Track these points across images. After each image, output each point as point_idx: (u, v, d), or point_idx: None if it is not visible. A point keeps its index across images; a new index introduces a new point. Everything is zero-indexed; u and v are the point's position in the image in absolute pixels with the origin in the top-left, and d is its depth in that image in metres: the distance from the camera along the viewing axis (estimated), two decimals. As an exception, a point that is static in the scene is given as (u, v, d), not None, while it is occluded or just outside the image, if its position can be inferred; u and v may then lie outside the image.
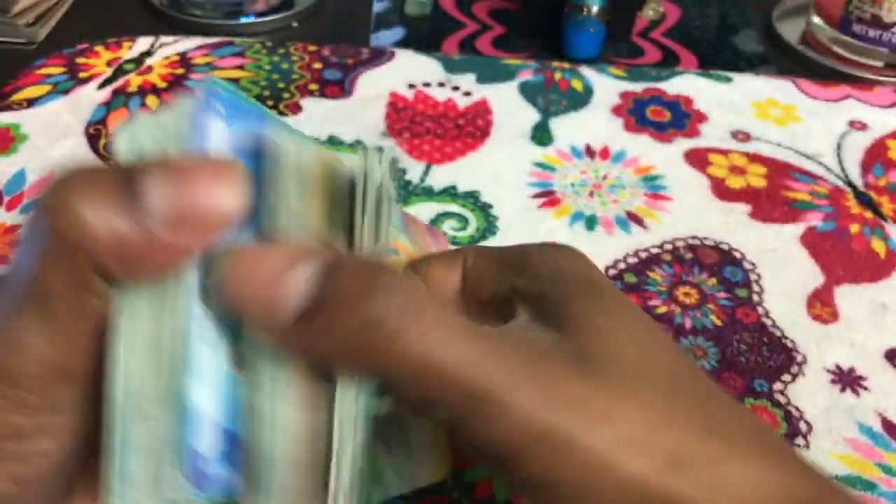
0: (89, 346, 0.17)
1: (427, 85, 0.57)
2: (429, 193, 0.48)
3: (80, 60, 0.57)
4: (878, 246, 0.46)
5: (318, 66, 0.58)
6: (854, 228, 0.47)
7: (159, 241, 0.16)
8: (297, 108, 0.54)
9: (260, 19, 0.64)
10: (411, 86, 0.57)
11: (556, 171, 0.50)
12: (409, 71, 0.58)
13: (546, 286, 0.21)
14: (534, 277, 0.22)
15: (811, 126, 0.55)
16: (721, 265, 0.44)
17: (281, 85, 0.56)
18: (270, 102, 0.54)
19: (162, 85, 0.55)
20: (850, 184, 0.51)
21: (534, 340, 0.19)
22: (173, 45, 0.59)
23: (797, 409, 0.37)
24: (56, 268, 0.16)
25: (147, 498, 0.16)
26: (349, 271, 0.17)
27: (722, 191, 0.49)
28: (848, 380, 0.39)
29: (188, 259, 0.17)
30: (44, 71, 0.56)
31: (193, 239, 0.16)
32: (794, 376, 0.39)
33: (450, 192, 0.48)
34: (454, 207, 0.47)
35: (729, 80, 0.59)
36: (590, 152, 0.52)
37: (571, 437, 0.17)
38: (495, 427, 0.17)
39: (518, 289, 0.22)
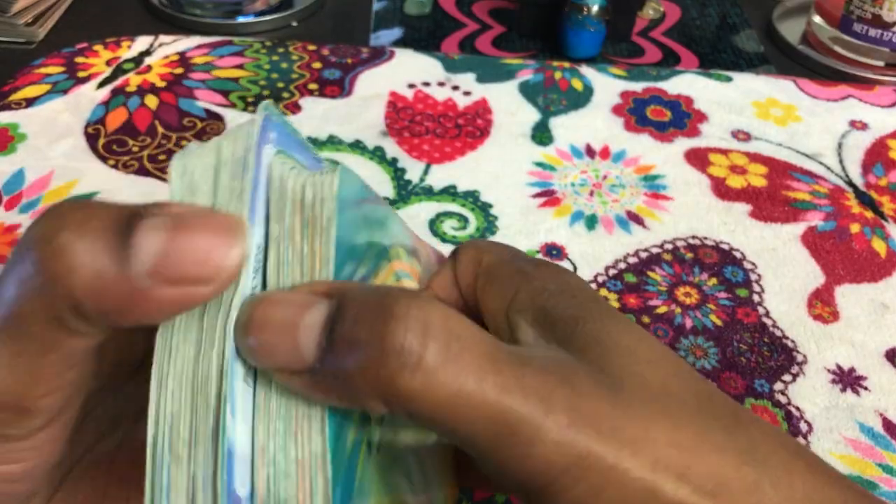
0: (56, 381, 0.16)
1: (427, 84, 0.57)
2: (429, 193, 0.48)
3: (79, 60, 0.57)
4: (878, 246, 0.46)
5: (317, 65, 0.58)
6: (854, 228, 0.47)
7: (142, 291, 0.15)
8: (296, 108, 0.54)
9: (259, 19, 0.63)
10: (411, 85, 0.56)
11: (556, 170, 0.50)
12: (408, 70, 0.58)
13: (554, 301, 0.21)
14: (540, 290, 0.21)
15: (812, 126, 0.55)
16: (721, 265, 0.44)
17: (280, 84, 0.56)
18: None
19: (161, 84, 0.55)
20: (850, 183, 0.50)
21: (556, 362, 0.18)
22: (172, 45, 0.59)
23: (797, 408, 0.37)
24: (32, 298, 0.15)
25: None
26: (359, 306, 0.16)
27: (722, 190, 0.49)
28: (848, 379, 0.38)
29: (177, 311, 0.16)
30: (43, 70, 0.56)
31: (179, 293, 0.15)
32: (795, 376, 0.38)
33: (450, 192, 0.48)
34: (454, 207, 0.47)
35: (729, 79, 0.59)
36: (590, 152, 0.52)
37: (611, 461, 0.17)
38: (529, 455, 0.16)
39: (518, 301, 0.21)
